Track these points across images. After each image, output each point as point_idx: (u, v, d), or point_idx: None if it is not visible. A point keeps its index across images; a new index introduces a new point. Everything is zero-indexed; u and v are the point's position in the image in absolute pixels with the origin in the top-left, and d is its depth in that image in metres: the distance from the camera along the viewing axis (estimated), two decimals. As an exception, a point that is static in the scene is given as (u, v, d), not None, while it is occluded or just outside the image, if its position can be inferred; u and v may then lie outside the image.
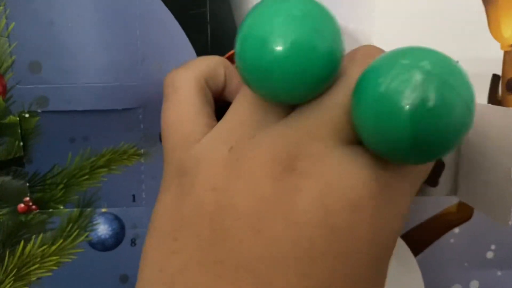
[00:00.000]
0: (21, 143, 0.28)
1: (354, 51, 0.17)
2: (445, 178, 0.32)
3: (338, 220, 0.13)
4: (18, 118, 0.27)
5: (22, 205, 0.30)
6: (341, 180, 0.14)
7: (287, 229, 0.13)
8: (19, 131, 0.27)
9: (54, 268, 0.31)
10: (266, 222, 0.13)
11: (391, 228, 0.15)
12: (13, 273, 0.30)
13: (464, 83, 0.13)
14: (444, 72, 0.13)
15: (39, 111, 0.28)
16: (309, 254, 0.13)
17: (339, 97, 0.15)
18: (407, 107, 0.13)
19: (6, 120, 0.27)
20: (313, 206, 0.13)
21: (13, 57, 0.27)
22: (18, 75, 0.27)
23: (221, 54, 0.23)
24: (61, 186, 0.30)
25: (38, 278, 0.31)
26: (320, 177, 0.14)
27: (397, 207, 0.15)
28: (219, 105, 0.21)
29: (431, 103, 0.13)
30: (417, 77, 0.13)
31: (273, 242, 0.13)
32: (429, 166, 0.18)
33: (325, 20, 0.15)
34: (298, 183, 0.14)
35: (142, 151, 0.29)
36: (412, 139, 0.13)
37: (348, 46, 0.17)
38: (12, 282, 0.30)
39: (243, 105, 0.17)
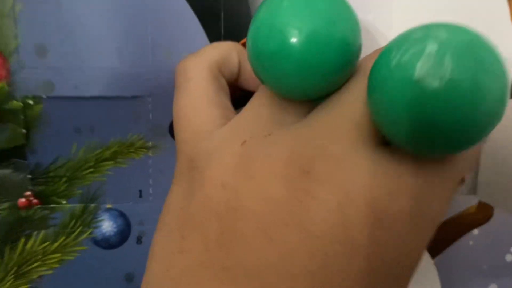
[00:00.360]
0: (24, 131, 0.27)
1: (375, 51, 0.16)
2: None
3: (359, 236, 0.12)
4: (21, 104, 0.26)
5: (23, 199, 0.29)
6: (363, 189, 0.12)
7: (302, 240, 0.12)
8: (22, 117, 0.26)
9: (56, 266, 0.30)
10: (278, 230, 0.12)
11: (420, 244, 0.14)
12: (13, 270, 0.29)
13: (493, 57, 0.11)
14: (465, 42, 0.11)
15: (44, 96, 0.27)
16: (324, 270, 0.12)
17: (359, 92, 0.14)
18: (420, 81, 0.11)
19: (9, 106, 0.26)
20: (330, 218, 0.12)
21: (19, 40, 0.26)
22: (23, 59, 0.26)
23: (235, 41, 0.22)
24: (65, 179, 0.28)
25: (40, 276, 0.30)
26: (338, 185, 0.12)
27: (430, 220, 0.14)
28: (237, 93, 0.20)
29: (447, 75, 0.11)
30: (431, 47, 0.11)
31: (287, 253, 0.12)
32: (469, 163, 0.16)
33: (342, 9, 0.14)
34: (312, 189, 0.12)
35: (150, 143, 0.28)
36: (429, 119, 0.12)
37: (366, 38, 0.16)
38: (12, 279, 0.29)
39: (261, 101, 0.16)
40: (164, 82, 0.26)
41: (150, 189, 0.29)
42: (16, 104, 0.26)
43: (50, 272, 0.30)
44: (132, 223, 0.30)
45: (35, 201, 0.29)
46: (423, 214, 0.13)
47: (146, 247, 0.30)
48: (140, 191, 0.30)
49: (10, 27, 0.25)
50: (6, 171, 0.28)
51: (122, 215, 0.30)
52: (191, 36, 0.26)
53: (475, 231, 0.33)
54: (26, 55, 0.26)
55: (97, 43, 0.26)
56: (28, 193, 0.29)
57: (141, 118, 0.28)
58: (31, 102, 0.26)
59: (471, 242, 0.34)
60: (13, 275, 0.29)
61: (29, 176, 0.29)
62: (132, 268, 0.31)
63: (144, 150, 0.28)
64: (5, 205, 0.29)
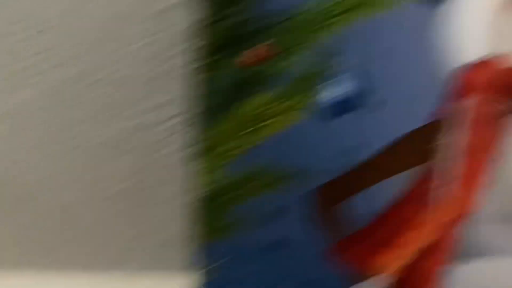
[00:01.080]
0: None
1: None
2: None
3: None
4: None
5: (258, 50, 0.26)
6: None
7: None
8: None
9: (287, 124, 0.27)
10: None
11: None
12: (248, 125, 0.26)
13: None
14: None
15: None
16: None
17: None
18: None
19: None
20: None
21: None
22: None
23: None
24: (311, 27, 0.25)
25: (264, 137, 0.27)
26: None
27: None
28: None
29: None
30: None
31: None
32: None
33: None
34: None
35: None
36: None
37: None
38: (247, 134, 0.26)
39: None
40: None
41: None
42: None
43: (280, 130, 0.27)
44: (370, 88, 0.27)
45: (271, 52, 0.26)
46: None
47: (381, 115, 0.27)
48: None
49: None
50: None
51: (366, 74, 0.27)
52: None
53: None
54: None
55: None
56: (268, 42, 0.26)
57: None
58: None
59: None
60: (250, 129, 0.26)
61: (270, 21, 0.26)
62: (354, 141, 0.28)
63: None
64: (227, 60, 0.27)
